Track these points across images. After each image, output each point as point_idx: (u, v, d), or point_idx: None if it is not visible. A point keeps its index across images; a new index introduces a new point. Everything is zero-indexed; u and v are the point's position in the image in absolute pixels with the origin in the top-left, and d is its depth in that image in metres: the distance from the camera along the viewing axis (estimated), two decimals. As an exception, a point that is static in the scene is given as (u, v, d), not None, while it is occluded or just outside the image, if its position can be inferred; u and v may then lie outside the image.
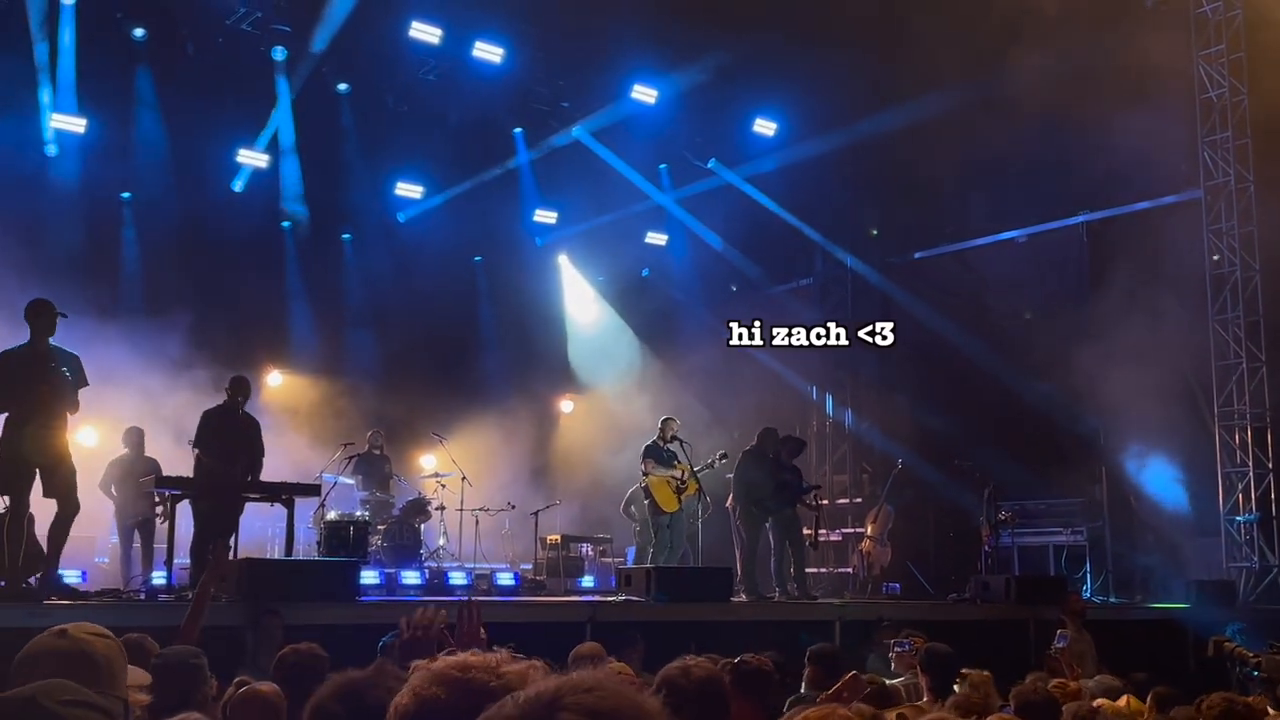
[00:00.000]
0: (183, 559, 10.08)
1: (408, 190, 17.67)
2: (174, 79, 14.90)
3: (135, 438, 12.27)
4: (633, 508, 14.36)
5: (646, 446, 12.66)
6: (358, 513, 12.94)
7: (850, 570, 16.34)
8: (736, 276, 19.98)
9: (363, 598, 9.52)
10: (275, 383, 17.02)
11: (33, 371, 8.39)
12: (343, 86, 16.20)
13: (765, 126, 17.78)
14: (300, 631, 6.59)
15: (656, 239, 19.94)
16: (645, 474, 12.53)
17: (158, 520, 10.99)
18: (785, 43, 15.35)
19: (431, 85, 16.14)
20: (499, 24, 15.55)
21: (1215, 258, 14.83)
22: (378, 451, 14.37)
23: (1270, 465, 14.45)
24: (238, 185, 16.40)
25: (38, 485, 8.45)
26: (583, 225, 19.12)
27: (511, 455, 17.07)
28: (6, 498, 8.35)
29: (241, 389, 10.36)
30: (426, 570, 12.47)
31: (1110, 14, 14.35)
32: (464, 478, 14.23)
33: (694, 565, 13.01)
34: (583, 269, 20.19)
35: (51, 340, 8.57)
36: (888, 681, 6.38)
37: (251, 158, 16.16)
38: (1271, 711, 5.52)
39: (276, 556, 12.66)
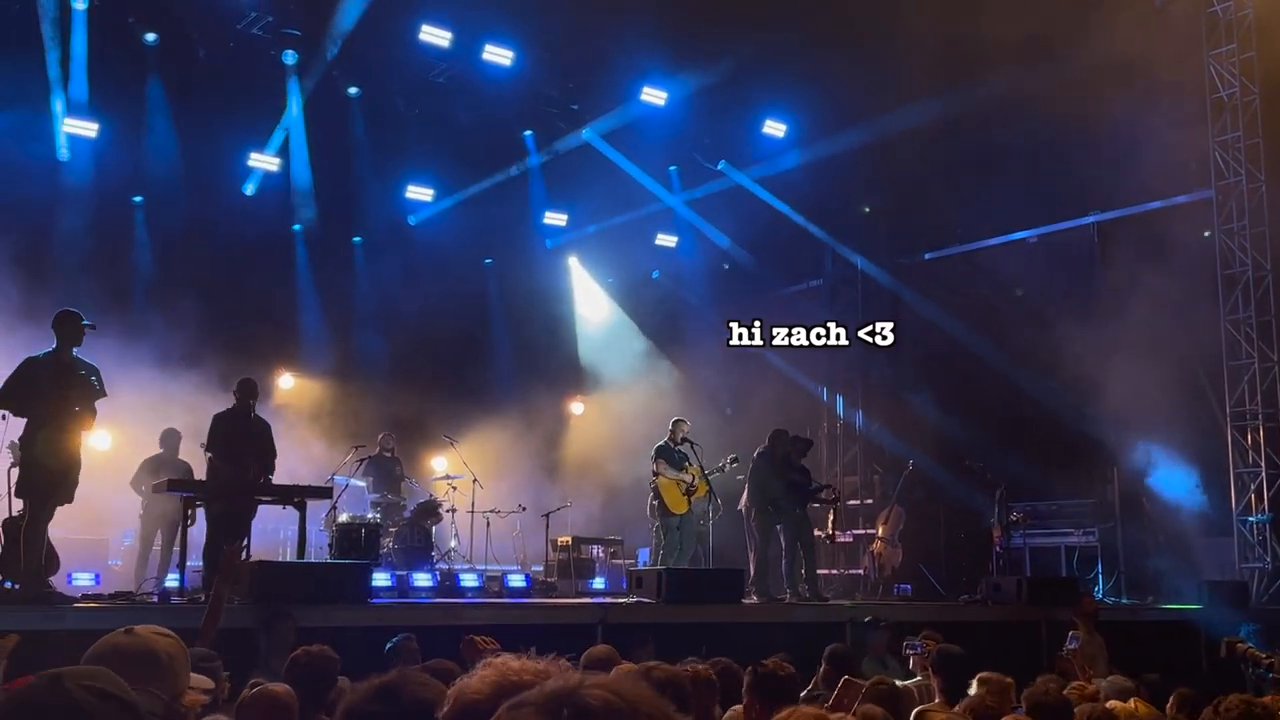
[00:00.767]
0: (195, 561, 10.11)
1: (418, 193, 17.71)
2: (185, 83, 14.94)
3: (172, 439, 12.37)
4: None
5: (658, 447, 12.68)
6: (369, 515, 12.98)
7: (861, 572, 16.32)
8: (746, 278, 19.98)
9: (374, 600, 9.54)
10: (287, 385, 17.07)
11: (57, 379, 8.46)
12: (353, 90, 16.24)
13: (775, 128, 17.77)
14: (312, 633, 6.61)
15: (666, 240, 19.96)
16: (655, 474, 12.55)
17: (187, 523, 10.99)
18: (794, 44, 15.32)
19: (441, 88, 16.17)
20: (508, 27, 15.56)
21: (1226, 258, 14.79)
22: (389, 454, 14.39)
23: (1283, 465, 14.41)
24: (249, 189, 16.46)
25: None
26: (593, 227, 19.15)
27: (522, 457, 17.10)
28: (25, 502, 8.40)
29: (250, 392, 10.40)
30: (438, 572, 12.48)
31: (1120, 14, 14.32)
32: (475, 480, 14.24)
33: (705, 566, 13.02)
34: (593, 271, 20.22)
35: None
36: (899, 683, 6.37)
37: (263, 161, 16.21)
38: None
39: (289, 559, 12.69)
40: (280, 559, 12.84)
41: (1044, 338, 15.23)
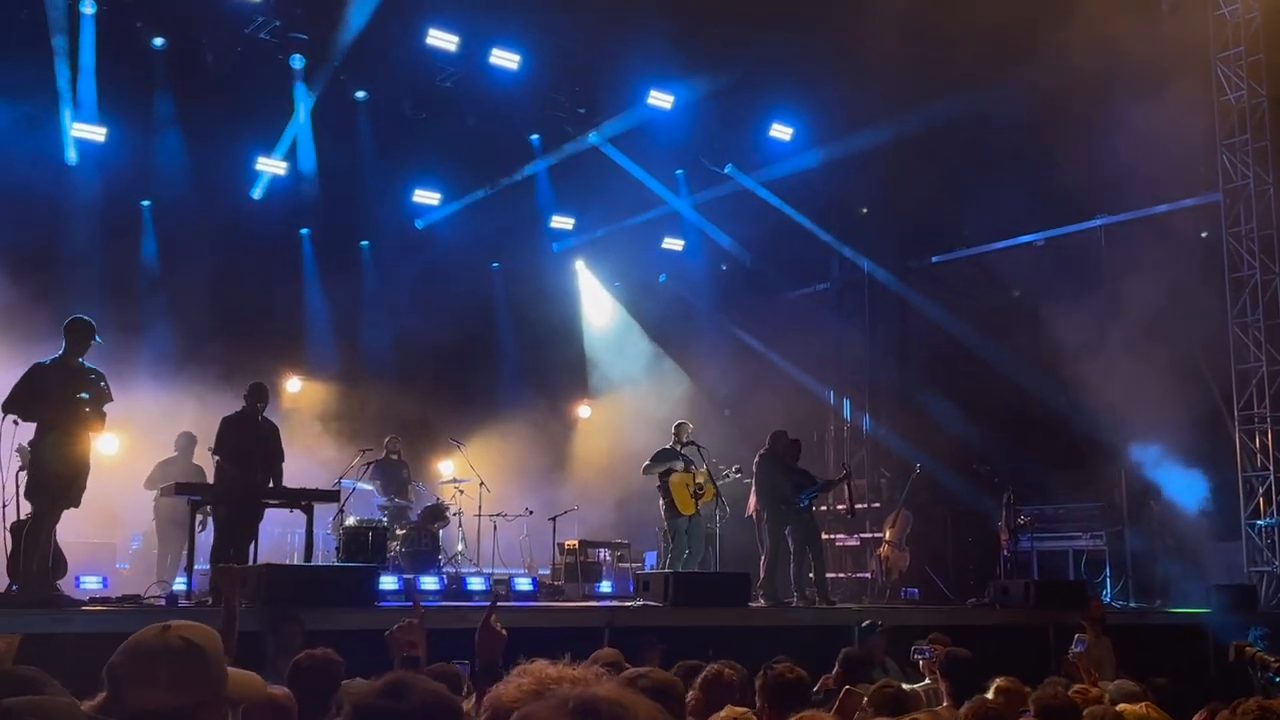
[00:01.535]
0: (203, 564, 10.13)
1: (425, 197, 17.72)
2: (193, 88, 14.96)
3: (185, 442, 12.38)
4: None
5: (656, 452, 12.70)
6: (376, 518, 12.99)
7: (868, 575, 16.30)
8: (753, 281, 19.97)
9: (381, 603, 9.53)
10: (294, 389, 17.09)
11: (65, 384, 8.49)
12: (360, 94, 16.25)
13: (782, 131, 17.76)
14: (319, 637, 6.60)
15: (673, 244, 19.95)
16: (648, 471, 12.56)
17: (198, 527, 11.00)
18: (801, 47, 15.33)
19: (449, 92, 16.19)
20: (515, 31, 15.58)
21: (1234, 261, 14.76)
22: (395, 457, 14.42)
23: (1291, 469, 14.36)
24: (257, 193, 16.48)
25: None
26: (600, 231, 19.16)
27: (529, 461, 17.11)
28: (31, 505, 8.42)
29: (259, 395, 10.43)
30: (445, 576, 12.48)
31: (1128, 16, 14.29)
32: (482, 483, 14.24)
33: (712, 570, 13.00)
34: (600, 275, 20.22)
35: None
36: (907, 686, 6.36)
37: (270, 165, 16.23)
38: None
39: (296, 562, 12.70)
40: (287, 562, 12.85)
41: (1051, 341, 15.21)
